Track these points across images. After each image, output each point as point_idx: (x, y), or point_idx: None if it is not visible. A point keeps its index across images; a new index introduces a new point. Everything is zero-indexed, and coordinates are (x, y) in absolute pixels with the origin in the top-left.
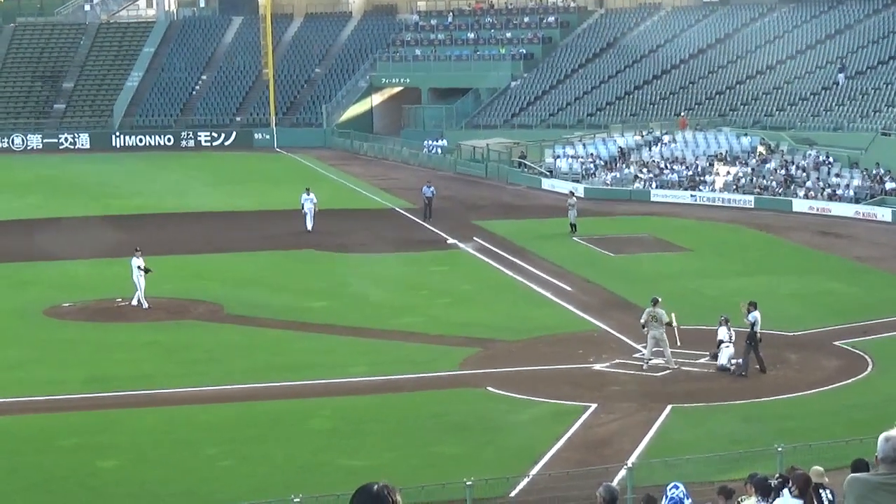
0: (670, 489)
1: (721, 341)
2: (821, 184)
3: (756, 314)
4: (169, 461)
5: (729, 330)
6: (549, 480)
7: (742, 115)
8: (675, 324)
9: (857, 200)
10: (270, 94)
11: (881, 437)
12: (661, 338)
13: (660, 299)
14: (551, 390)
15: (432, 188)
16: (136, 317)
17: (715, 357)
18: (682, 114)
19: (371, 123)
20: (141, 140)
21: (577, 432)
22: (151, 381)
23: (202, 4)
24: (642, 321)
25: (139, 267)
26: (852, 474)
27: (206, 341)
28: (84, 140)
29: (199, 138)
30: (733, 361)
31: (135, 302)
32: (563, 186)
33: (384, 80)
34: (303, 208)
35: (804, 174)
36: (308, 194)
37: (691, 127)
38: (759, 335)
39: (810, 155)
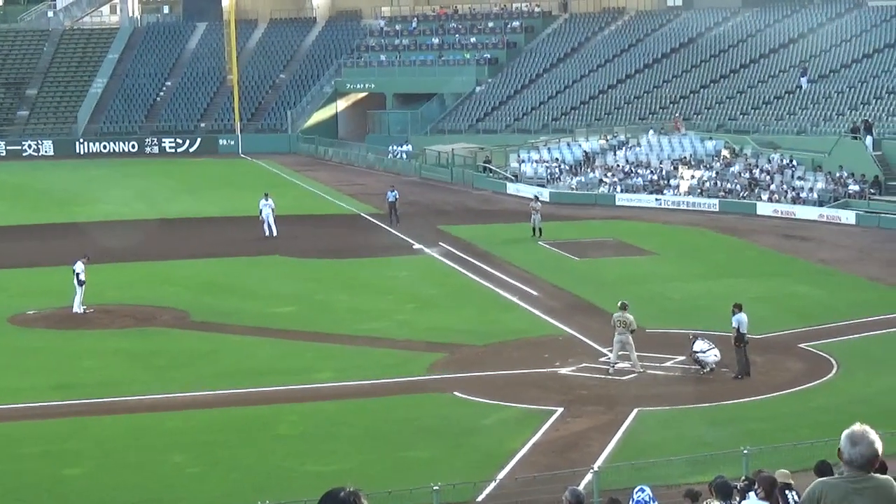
0: (637, 492)
1: (702, 351)
2: (785, 187)
3: (741, 316)
4: (136, 468)
5: (704, 341)
6: (516, 484)
7: (706, 119)
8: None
9: (820, 203)
10: (235, 99)
11: (845, 438)
12: (628, 341)
13: (628, 304)
14: (518, 394)
15: (395, 193)
16: (101, 324)
17: (696, 362)
18: (677, 115)
19: (336, 129)
20: (105, 147)
21: (543, 436)
22: (118, 387)
23: (166, 10)
24: (612, 324)
25: (78, 274)
26: (821, 479)
27: (173, 348)
28: (48, 147)
29: (163, 144)
30: (714, 356)
31: (77, 309)
32: (528, 191)
33: (349, 85)
34: (261, 214)
35: (768, 177)
36: (266, 200)
37: (655, 130)
38: (746, 337)
39: (774, 158)
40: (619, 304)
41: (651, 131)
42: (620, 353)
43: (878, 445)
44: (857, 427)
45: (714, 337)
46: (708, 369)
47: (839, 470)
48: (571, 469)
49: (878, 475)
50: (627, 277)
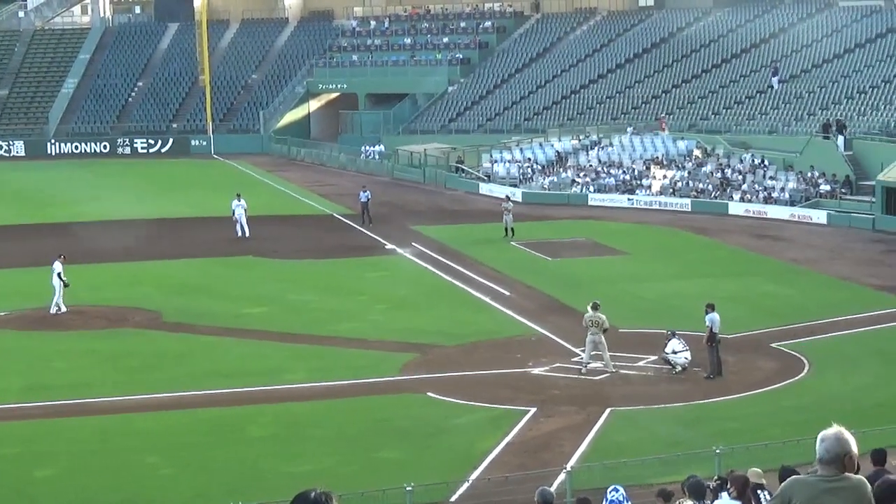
0: (610, 492)
1: (675, 351)
2: (756, 187)
3: (714, 315)
4: (108, 469)
5: (680, 341)
6: (488, 485)
7: (678, 119)
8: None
9: (792, 203)
10: (207, 100)
11: (818, 436)
12: (600, 341)
13: (599, 303)
14: (490, 395)
15: (367, 193)
16: (73, 325)
17: (667, 362)
18: (662, 115)
19: (308, 129)
20: (77, 147)
21: (516, 436)
22: (89, 389)
23: (137, 11)
24: (584, 324)
25: (59, 274)
26: (794, 477)
27: (145, 349)
28: (19, 147)
29: (135, 145)
30: (685, 358)
31: (53, 309)
32: (500, 191)
33: (321, 85)
34: (234, 214)
35: (740, 177)
36: (239, 200)
37: (625, 131)
38: (718, 336)
39: (746, 158)
40: (590, 304)
41: (631, 128)
42: (593, 353)
43: (849, 444)
44: (830, 427)
45: (686, 336)
46: (679, 369)
47: (813, 469)
48: (544, 469)
49: (851, 475)
50: (600, 277)
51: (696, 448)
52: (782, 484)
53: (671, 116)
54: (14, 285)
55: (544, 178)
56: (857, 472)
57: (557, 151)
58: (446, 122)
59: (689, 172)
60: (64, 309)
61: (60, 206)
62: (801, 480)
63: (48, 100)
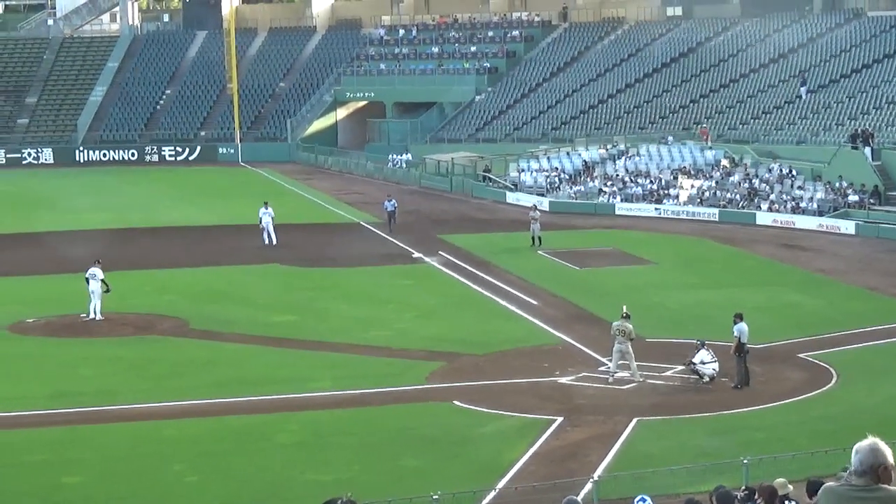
0: (637, 502)
1: (703, 362)
2: (784, 197)
3: (742, 325)
4: (135, 477)
5: (709, 352)
6: (515, 494)
7: (707, 129)
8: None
9: (820, 213)
10: (235, 108)
11: (854, 448)
12: (627, 350)
13: (630, 314)
14: (517, 404)
15: (393, 201)
16: (101, 332)
17: (695, 373)
18: (704, 124)
19: (336, 138)
20: (105, 155)
21: (543, 445)
22: (116, 396)
23: (166, 19)
24: (612, 333)
25: (103, 280)
26: (827, 485)
27: (171, 356)
28: (48, 155)
29: (163, 153)
30: (713, 369)
31: (92, 314)
32: (527, 200)
33: (349, 94)
34: (261, 223)
35: (768, 187)
36: (266, 208)
37: (655, 141)
38: (746, 347)
39: (774, 168)
40: (622, 313)
41: (670, 138)
42: (620, 362)
43: (885, 455)
44: (865, 439)
45: (713, 346)
46: (707, 379)
47: (845, 480)
48: (571, 479)
49: (887, 486)
50: (627, 287)
51: (724, 458)
52: (818, 493)
53: (698, 126)
54: (41, 292)
55: (571, 188)
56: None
57: (585, 161)
58: (473, 130)
59: (716, 182)
60: (100, 317)
61: (88, 214)
62: (834, 490)
63: (77, 107)
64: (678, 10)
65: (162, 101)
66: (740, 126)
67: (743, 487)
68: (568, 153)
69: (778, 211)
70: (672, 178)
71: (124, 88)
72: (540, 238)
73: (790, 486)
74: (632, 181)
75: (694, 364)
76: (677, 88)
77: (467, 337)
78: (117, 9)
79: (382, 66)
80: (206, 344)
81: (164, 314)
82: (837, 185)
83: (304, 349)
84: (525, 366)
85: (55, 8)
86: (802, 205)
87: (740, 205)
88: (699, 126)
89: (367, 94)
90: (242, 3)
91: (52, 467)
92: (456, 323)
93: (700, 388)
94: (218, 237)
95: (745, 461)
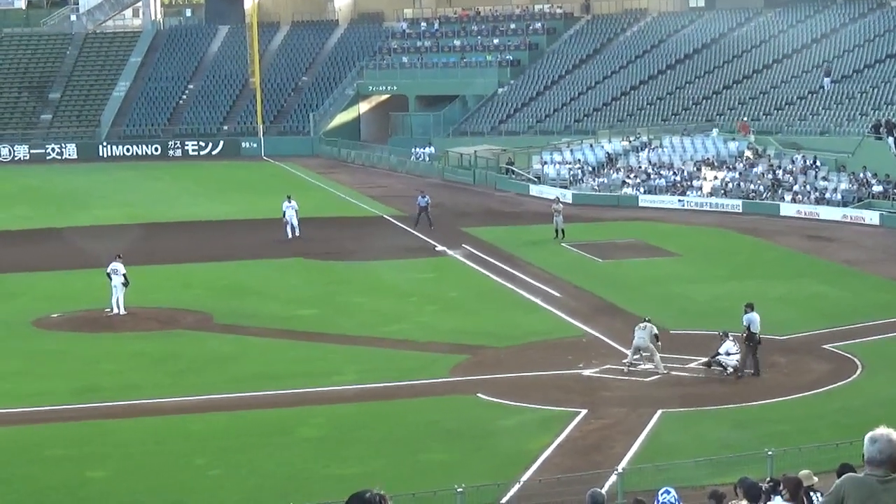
0: (662, 494)
1: (728, 353)
2: (808, 188)
3: (752, 315)
4: (158, 471)
5: (734, 343)
6: (539, 486)
7: (729, 120)
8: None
9: (844, 204)
10: (257, 102)
11: (867, 438)
12: (646, 346)
13: (652, 326)
14: (541, 396)
15: (427, 198)
16: (125, 327)
17: (718, 364)
18: (744, 119)
19: (358, 131)
20: (128, 150)
21: (567, 438)
22: (140, 391)
23: (188, 14)
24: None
25: (124, 274)
26: (848, 475)
27: (195, 351)
28: (71, 150)
29: (186, 147)
30: (737, 360)
31: (116, 309)
32: (551, 193)
33: (371, 87)
34: (284, 216)
35: (791, 178)
36: (290, 202)
37: (678, 132)
38: (757, 337)
39: (797, 159)
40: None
41: (715, 131)
42: (636, 356)
43: None
44: (879, 428)
45: (738, 338)
46: (731, 370)
47: (863, 471)
48: (595, 471)
49: None
50: (650, 279)
51: (748, 450)
52: (837, 481)
53: (722, 117)
54: (65, 287)
55: (594, 180)
56: None
57: (608, 153)
58: (496, 123)
59: (740, 174)
60: (123, 312)
61: (112, 209)
62: (856, 479)
63: (100, 103)
64: (701, 2)
65: (185, 96)
66: (763, 117)
67: (767, 479)
68: (591, 145)
69: (802, 202)
70: (695, 169)
71: (147, 83)
72: (563, 230)
73: (815, 478)
74: (655, 173)
75: (719, 354)
76: (700, 80)
77: (491, 329)
78: (140, 4)
79: (405, 59)
80: (229, 338)
81: (188, 309)
82: (861, 175)
83: (328, 343)
84: (548, 358)
85: (78, 4)
86: (826, 195)
87: (764, 196)
88: (740, 120)
89: (389, 88)
90: None
91: (76, 462)
92: (479, 316)
93: (724, 379)
94: (241, 232)
95: (769, 453)
